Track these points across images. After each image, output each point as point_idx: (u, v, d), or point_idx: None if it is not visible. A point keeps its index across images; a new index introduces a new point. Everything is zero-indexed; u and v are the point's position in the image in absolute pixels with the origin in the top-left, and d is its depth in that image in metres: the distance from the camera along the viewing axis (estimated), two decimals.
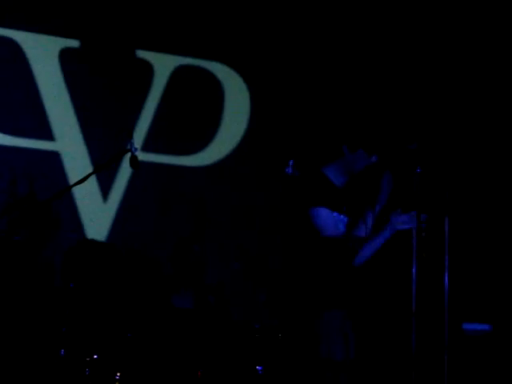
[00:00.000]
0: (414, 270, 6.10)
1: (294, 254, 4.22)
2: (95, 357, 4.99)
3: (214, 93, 6.81)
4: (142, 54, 6.61)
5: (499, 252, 6.53)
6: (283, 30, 6.92)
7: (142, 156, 5.56)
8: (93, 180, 6.27)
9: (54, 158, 6.32)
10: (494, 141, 6.85)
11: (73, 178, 6.09)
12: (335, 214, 4.22)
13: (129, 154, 5.15)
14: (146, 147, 6.49)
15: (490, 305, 6.44)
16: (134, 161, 5.15)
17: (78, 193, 6.26)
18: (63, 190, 5.19)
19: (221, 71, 6.82)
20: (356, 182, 4.30)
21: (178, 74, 6.70)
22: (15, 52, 6.27)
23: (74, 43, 6.43)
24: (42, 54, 6.35)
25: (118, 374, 5.05)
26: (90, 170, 5.74)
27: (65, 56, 6.40)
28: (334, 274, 4.20)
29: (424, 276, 4.42)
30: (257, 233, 6.58)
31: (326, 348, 4.13)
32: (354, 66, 7.00)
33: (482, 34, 6.94)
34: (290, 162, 5.50)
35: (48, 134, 6.33)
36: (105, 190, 6.45)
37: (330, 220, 4.17)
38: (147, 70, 6.61)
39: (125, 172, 6.41)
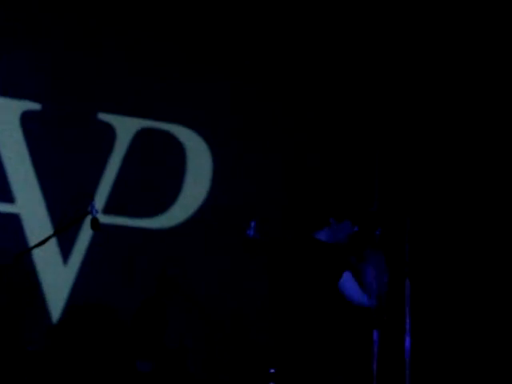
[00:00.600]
0: (375, 333, 6.11)
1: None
2: None
3: (176, 155, 6.82)
4: (104, 116, 6.62)
5: (460, 315, 6.54)
6: (241, 95, 6.98)
7: (104, 218, 5.58)
8: (53, 243, 6.21)
9: (14, 221, 6.28)
10: (456, 205, 6.91)
11: (33, 240, 6.00)
12: None
13: (90, 217, 5.16)
14: (108, 209, 6.45)
15: (451, 367, 6.43)
16: (94, 223, 5.14)
17: (38, 256, 6.19)
18: (23, 253, 5.15)
19: (183, 133, 6.84)
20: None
21: (140, 136, 6.71)
22: None
23: (35, 106, 6.43)
24: (3, 116, 6.34)
25: None
26: (50, 232, 5.69)
27: (26, 118, 6.39)
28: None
29: (385, 339, 4.40)
30: (216, 297, 6.54)
31: None
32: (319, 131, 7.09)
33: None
34: (252, 224, 5.52)
35: (8, 197, 6.29)
36: (65, 252, 6.39)
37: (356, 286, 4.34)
38: (109, 132, 6.62)
39: (86, 234, 6.36)
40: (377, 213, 4.03)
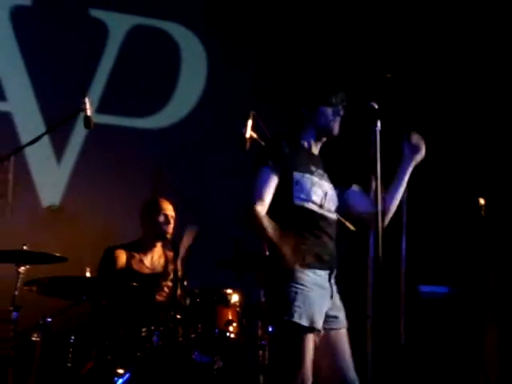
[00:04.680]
0: (371, 235, 6.10)
1: None
2: None
3: (171, 54, 6.71)
4: (96, 12, 6.47)
5: (457, 214, 6.52)
6: None
7: (97, 118, 5.46)
8: (46, 142, 6.14)
9: (6, 119, 6.19)
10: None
11: (26, 139, 5.89)
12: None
13: (82, 114, 5.07)
14: (101, 109, 6.35)
15: (447, 268, 6.45)
16: (87, 120, 5.06)
17: (31, 155, 6.13)
18: (15, 151, 5.07)
19: (177, 32, 6.71)
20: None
21: (134, 33, 6.58)
22: None
23: (25, 1, 6.28)
24: None
25: None
26: (43, 130, 5.60)
27: (16, 14, 6.25)
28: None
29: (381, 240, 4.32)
30: (213, 196, 6.50)
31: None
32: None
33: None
34: (248, 123, 5.43)
35: (0, 95, 6.20)
36: (58, 152, 6.33)
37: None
38: (101, 29, 6.48)
39: (79, 134, 6.29)
40: (376, 109, 3.87)
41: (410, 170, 4.07)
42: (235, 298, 5.25)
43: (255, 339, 5.22)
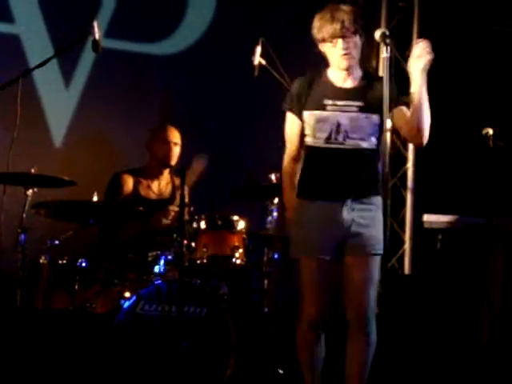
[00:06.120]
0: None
1: None
2: None
3: None
4: None
5: (464, 145, 6.52)
6: None
7: (106, 42, 5.42)
8: (54, 66, 6.11)
9: (14, 41, 6.14)
10: None
11: (34, 62, 5.83)
12: None
13: (91, 38, 5.03)
14: (110, 33, 6.28)
15: (453, 198, 6.47)
16: (95, 44, 5.02)
17: (40, 78, 6.10)
18: (24, 73, 5.03)
19: None
20: None
21: None
22: None
23: None
24: None
25: None
26: (51, 53, 5.56)
27: None
28: None
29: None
30: (223, 123, 6.49)
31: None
32: None
33: None
34: (257, 50, 5.41)
35: (8, 17, 6.13)
36: (67, 76, 6.29)
37: None
38: None
39: (87, 58, 6.24)
40: None
41: (420, 79, 3.91)
42: (241, 224, 5.29)
43: (260, 266, 5.27)
